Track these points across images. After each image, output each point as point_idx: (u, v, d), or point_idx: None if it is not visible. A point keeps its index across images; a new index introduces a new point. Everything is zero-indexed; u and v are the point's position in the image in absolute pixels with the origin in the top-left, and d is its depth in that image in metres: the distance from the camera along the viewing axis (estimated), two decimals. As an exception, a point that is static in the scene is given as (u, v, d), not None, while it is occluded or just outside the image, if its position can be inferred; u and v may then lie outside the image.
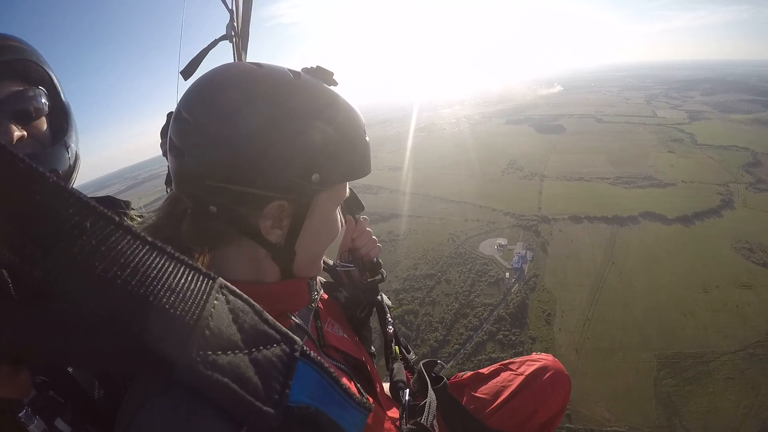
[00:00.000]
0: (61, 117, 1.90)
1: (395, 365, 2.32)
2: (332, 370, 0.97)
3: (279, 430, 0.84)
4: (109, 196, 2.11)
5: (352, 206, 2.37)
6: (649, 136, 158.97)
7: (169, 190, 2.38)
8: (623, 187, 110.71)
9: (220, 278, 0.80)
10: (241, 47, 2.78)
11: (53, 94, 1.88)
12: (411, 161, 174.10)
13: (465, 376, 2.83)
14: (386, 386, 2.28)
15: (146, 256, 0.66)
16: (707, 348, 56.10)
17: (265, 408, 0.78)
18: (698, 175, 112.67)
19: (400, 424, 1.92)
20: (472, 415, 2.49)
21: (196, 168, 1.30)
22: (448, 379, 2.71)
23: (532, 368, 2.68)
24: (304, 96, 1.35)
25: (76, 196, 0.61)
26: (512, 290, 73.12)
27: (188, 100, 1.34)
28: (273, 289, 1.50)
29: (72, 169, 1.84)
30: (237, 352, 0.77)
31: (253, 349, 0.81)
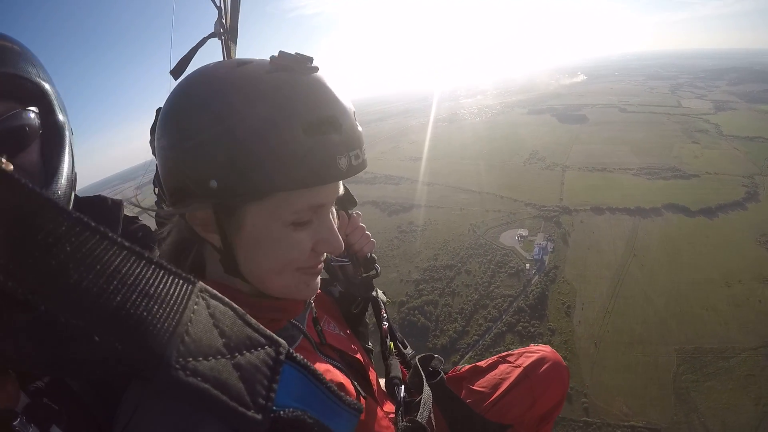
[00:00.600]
0: (54, 139, 1.60)
1: (391, 361, 2.23)
2: (321, 371, 0.95)
3: None
4: (99, 195, 1.86)
5: (345, 202, 2.35)
6: (673, 127, 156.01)
7: (156, 190, 2.52)
8: (646, 178, 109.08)
9: (200, 282, 0.79)
10: (230, 44, 2.73)
11: (48, 110, 1.59)
12: (432, 152, 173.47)
13: (463, 370, 2.82)
14: (382, 382, 2.23)
15: (123, 263, 0.65)
16: (728, 343, 55.40)
17: (249, 413, 0.77)
18: (723, 166, 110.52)
19: (396, 420, 1.90)
20: (470, 408, 2.47)
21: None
22: (446, 374, 2.68)
23: (529, 360, 2.68)
24: (221, 98, 1.23)
25: (51, 202, 0.59)
26: (532, 281, 72.83)
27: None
28: (264, 304, 1.45)
29: (68, 197, 1.54)
30: (219, 357, 0.76)
31: (236, 354, 0.79)
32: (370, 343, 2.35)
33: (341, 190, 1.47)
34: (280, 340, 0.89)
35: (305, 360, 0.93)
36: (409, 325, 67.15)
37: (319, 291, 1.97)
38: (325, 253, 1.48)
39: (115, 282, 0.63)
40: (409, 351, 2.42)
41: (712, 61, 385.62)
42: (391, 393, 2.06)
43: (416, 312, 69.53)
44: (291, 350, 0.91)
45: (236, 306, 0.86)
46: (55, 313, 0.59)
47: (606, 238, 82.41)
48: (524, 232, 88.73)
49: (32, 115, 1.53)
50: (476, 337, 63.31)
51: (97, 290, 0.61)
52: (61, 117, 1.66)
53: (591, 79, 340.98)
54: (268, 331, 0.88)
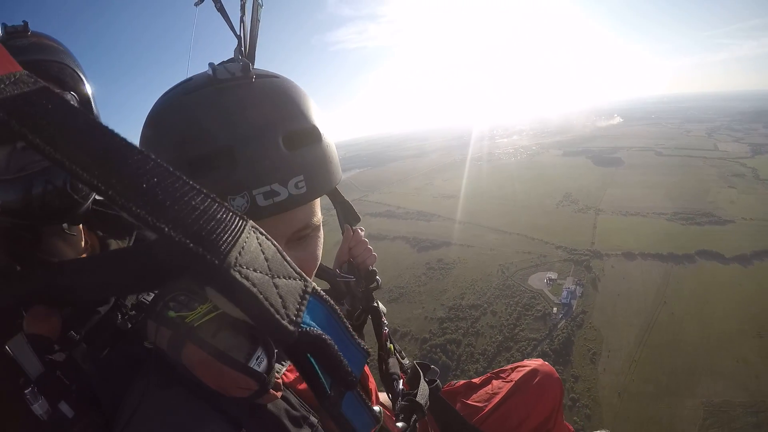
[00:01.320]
0: None
1: (390, 360, 2.30)
2: (341, 313, 1.00)
3: (293, 348, 0.90)
4: None
5: (349, 216, 2.39)
6: (709, 171, 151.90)
7: None
8: (680, 224, 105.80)
9: (251, 221, 0.85)
10: None
11: (85, 101, 1.83)
12: (466, 190, 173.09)
13: (457, 385, 2.86)
14: (383, 396, 2.32)
15: (195, 196, 0.75)
16: (758, 398, 52.54)
17: (283, 322, 0.83)
18: (760, 211, 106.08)
19: (393, 408, 1.95)
20: (465, 420, 2.52)
21: None
22: (441, 388, 2.68)
23: (521, 374, 2.71)
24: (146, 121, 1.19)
25: (139, 149, 0.72)
26: (558, 326, 70.96)
27: None
28: None
29: None
30: (264, 273, 0.82)
31: (276, 276, 0.86)
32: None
33: (308, 220, 1.25)
34: (308, 279, 0.94)
35: (328, 298, 0.98)
36: (429, 362, 65.03)
37: None
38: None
39: (190, 206, 0.73)
40: (406, 361, 2.45)
41: (749, 102, 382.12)
42: (388, 386, 2.13)
43: (438, 350, 68.82)
44: (316, 288, 0.95)
45: (277, 244, 0.90)
46: (146, 218, 0.67)
47: (636, 284, 79.95)
48: (553, 275, 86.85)
49: (74, 99, 1.74)
50: None
51: (178, 208, 0.71)
52: (95, 109, 1.91)
53: (627, 121, 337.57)
54: (299, 269, 0.92)
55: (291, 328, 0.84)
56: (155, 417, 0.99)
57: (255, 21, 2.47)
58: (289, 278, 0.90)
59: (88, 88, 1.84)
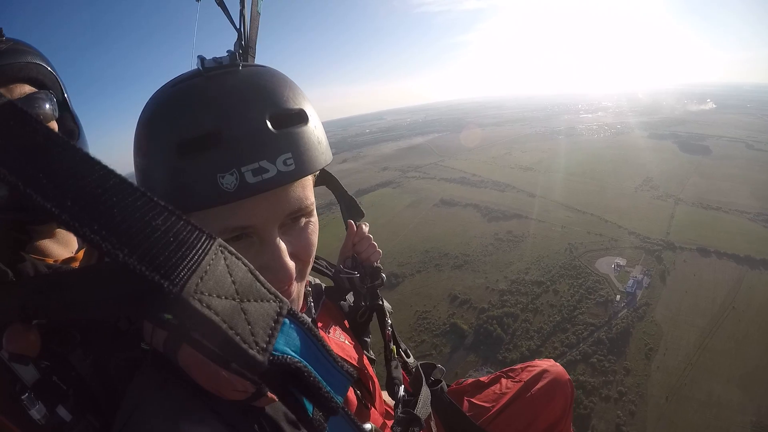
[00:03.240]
0: (69, 121, 1.90)
1: (393, 364, 2.24)
2: (322, 336, 0.97)
3: (266, 377, 0.85)
4: None
5: (352, 211, 2.33)
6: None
7: None
8: (763, 225, 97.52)
9: (220, 239, 0.83)
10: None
11: (61, 99, 1.87)
12: (543, 164, 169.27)
13: (465, 383, 2.83)
14: (385, 394, 2.28)
15: (158, 213, 0.72)
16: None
17: (251, 351, 0.79)
18: None
19: (395, 415, 1.94)
20: (471, 420, 2.47)
21: None
22: (448, 387, 2.73)
23: (531, 374, 2.68)
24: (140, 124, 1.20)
25: (101, 164, 0.69)
26: (619, 315, 68.63)
27: None
28: None
29: None
30: (230, 298, 0.80)
31: (245, 300, 0.83)
32: (372, 353, 2.28)
33: (298, 205, 1.22)
34: (284, 298, 0.91)
35: (306, 318, 0.95)
36: (484, 333, 66.87)
37: (327, 301, 2.08)
38: (285, 282, 1.26)
39: (151, 226, 0.70)
40: (412, 360, 2.45)
41: None
42: (391, 392, 2.12)
43: (494, 322, 68.69)
44: (292, 308, 0.92)
45: (248, 262, 0.88)
46: (98, 240, 0.64)
47: (707, 283, 75.18)
48: (622, 262, 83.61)
49: (52, 97, 1.77)
50: None
51: (137, 230, 0.68)
52: (72, 108, 1.94)
53: (720, 107, 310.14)
54: (273, 288, 0.90)
55: (260, 357, 0.81)
56: (152, 419, 0.97)
57: (255, 14, 2.51)
58: (262, 300, 0.87)
59: (62, 84, 1.89)
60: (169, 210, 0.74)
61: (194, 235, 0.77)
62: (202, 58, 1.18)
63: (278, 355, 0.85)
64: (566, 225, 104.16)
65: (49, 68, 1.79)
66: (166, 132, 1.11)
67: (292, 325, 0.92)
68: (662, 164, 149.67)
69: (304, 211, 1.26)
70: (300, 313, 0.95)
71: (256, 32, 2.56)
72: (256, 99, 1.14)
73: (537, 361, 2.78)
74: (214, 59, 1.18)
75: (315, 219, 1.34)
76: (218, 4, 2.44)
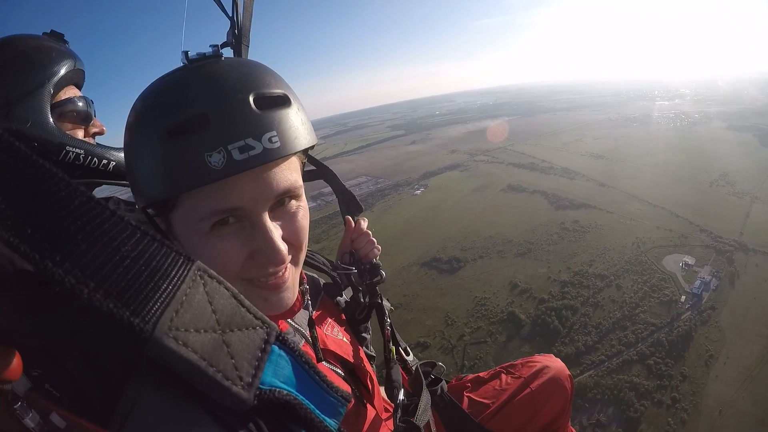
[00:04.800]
0: (97, 125, 2.14)
1: (392, 366, 2.16)
2: (313, 361, 0.94)
3: (253, 413, 0.82)
4: (113, 197, 2.16)
5: (351, 206, 2.30)
6: None
7: None
8: None
9: (199, 261, 0.79)
10: (242, 54, 2.60)
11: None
12: (616, 152, 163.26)
13: (465, 379, 2.79)
14: (383, 390, 2.20)
15: (128, 237, 0.68)
16: None
17: (234, 388, 0.76)
18: None
19: (394, 421, 1.91)
20: (471, 417, 2.42)
21: None
22: (448, 383, 2.69)
23: (531, 370, 2.63)
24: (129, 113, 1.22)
25: (66, 181, 0.64)
26: (682, 317, 65.93)
27: None
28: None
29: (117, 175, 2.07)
30: (210, 331, 0.75)
31: (227, 330, 0.79)
32: (371, 349, 2.25)
33: (285, 186, 1.22)
34: (272, 323, 0.88)
35: (296, 344, 0.92)
36: (541, 324, 66.25)
37: (325, 298, 2.02)
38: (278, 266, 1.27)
39: (120, 254, 0.65)
40: (411, 358, 2.39)
41: None
42: (390, 396, 2.06)
43: (552, 313, 67.81)
44: (281, 333, 0.89)
45: (231, 286, 0.84)
46: (62, 277, 0.61)
47: None
48: (690, 260, 79.89)
49: (90, 100, 1.98)
50: (603, 357, 59.65)
51: (104, 259, 0.63)
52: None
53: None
54: (260, 312, 0.87)
55: (244, 395, 0.77)
56: (147, 420, 0.94)
57: (248, 1, 2.49)
58: (247, 328, 0.83)
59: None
60: (141, 231, 0.70)
61: (169, 260, 0.73)
62: (186, 53, 1.20)
63: (266, 389, 0.81)
64: (635, 218, 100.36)
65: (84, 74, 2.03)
66: (155, 119, 1.12)
67: (282, 352, 0.88)
68: (740, 158, 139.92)
69: (292, 193, 1.25)
70: (288, 338, 0.91)
71: (250, 20, 2.52)
72: (239, 82, 1.15)
73: (537, 357, 2.75)
74: (198, 53, 1.20)
75: (305, 204, 1.32)
76: None
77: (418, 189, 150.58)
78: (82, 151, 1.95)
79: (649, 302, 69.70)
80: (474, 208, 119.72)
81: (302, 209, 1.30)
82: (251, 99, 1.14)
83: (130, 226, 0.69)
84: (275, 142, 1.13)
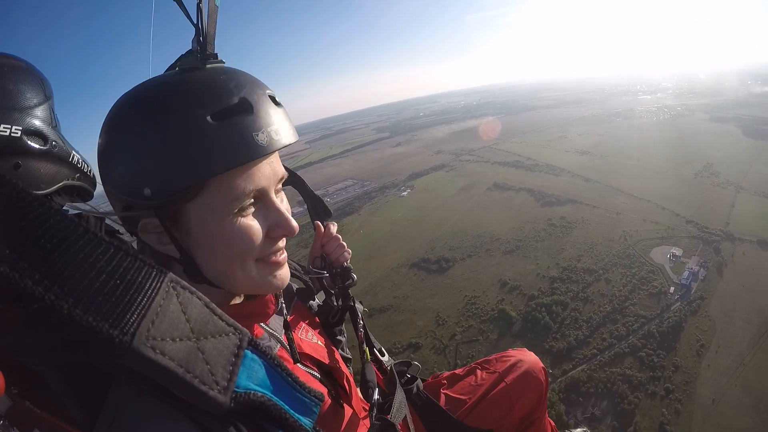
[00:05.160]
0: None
1: (366, 366, 2.18)
2: (285, 363, 0.97)
3: (230, 415, 0.85)
4: (82, 213, 2.11)
5: (320, 211, 2.35)
6: None
7: None
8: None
9: (171, 273, 0.81)
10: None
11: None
12: (600, 147, 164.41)
13: (441, 377, 2.82)
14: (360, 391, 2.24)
15: (102, 254, 0.70)
16: None
17: (211, 392, 0.78)
18: None
19: (370, 420, 1.90)
20: (449, 414, 2.46)
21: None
22: (424, 381, 2.72)
23: (505, 365, 2.68)
24: (129, 111, 1.25)
25: (39, 200, 0.66)
26: (672, 308, 65.82)
27: None
28: (238, 308, 1.44)
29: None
30: (185, 339, 0.77)
31: (201, 338, 0.81)
32: (347, 351, 2.27)
33: (282, 173, 1.39)
34: (243, 329, 0.91)
35: (267, 347, 0.94)
36: (531, 321, 65.85)
37: (298, 303, 2.05)
38: (283, 242, 1.41)
39: (96, 268, 0.68)
40: (386, 358, 2.43)
41: None
42: (365, 395, 2.06)
43: (543, 309, 67.40)
44: (253, 338, 0.92)
45: (203, 296, 0.87)
46: (42, 295, 0.63)
47: (766, 278, 69.87)
48: (678, 252, 80.00)
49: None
50: (595, 351, 59.30)
51: (80, 276, 0.66)
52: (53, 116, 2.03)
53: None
54: (232, 320, 0.89)
55: (221, 398, 0.80)
56: (130, 427, 0.96)
57: (213, 7, 2.21)
58: (220, 335, 0.85)
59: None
60: (114, 246, 0.72)
61: (143, 273, 0.75)
62: (196, 53, 1.35)
63: (241, 392, 0.84)
64: (622, 212, 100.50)
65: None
66: (195, 105, 1.20)
67: (254, 356, 0.91)
68: (724, 149, 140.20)
69: (283, 179, 1.40)
70: (259, 342, 0.94)
71: (215, 27, 2.22)
72: (258, 82, 1.34)
73: (510, 351, 2.81)
74: (206, 56, 1.36)
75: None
76: None
77: (404, 190, 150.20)
78: (80, 156, 1.98)
79: (638, 295, 69.57)
80: (461, 208, 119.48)
81: (284, 196, 1.45)
82: (269, 97, 1.33)
83: (104, 242, 0.71)
84: (289, 131, 1.33)
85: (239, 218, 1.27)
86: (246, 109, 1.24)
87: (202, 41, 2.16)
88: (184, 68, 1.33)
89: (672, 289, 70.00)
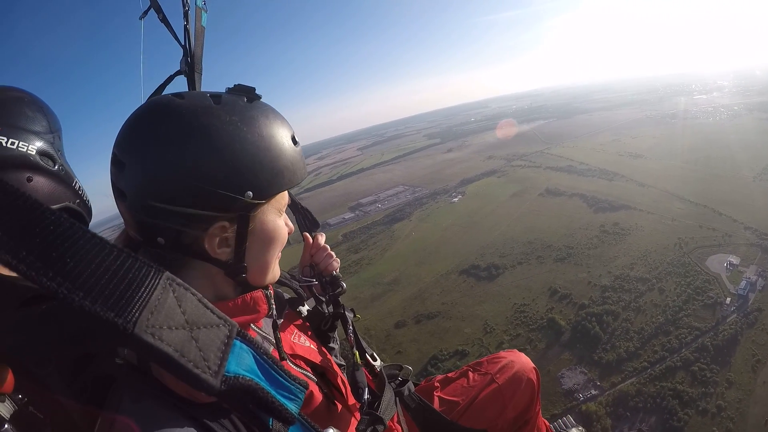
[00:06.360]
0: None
1: (357, 370, 2.26)
2: (272, 353, 1.09)
3: (222, 396, 0.92)
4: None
5: (308, 224, 2.45)
6: None
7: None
8: None
9: (167, 272, 0.88)
10: (195, 81, 2.63)
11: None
12: (654, 150, 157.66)
13: (434, 380, 2.88)
14: None
15: (107, 254, 0.76)
16: None
17: (204, 375, 0.85)
18: None
19: (360, 418, 1.97)
20: (442, 415, 2.49)
21: (138, 204, 1.31)
22: (417, 385, 2.80)
23: (497, 366, 2.74)
24: (224, 119, 1.31)
25: (51, 210, 0.72)
26: (728, 320, 62.44)
27: (120, 142, 1.34)
28: (230, 304, 1.47)
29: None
30: (181, 328, 0.85)
31: (195, 328, 0.88)
32: (340, 358, 2.34)
33: (287, 198, 1.59)
34: (232, 321, 0.98)
35: (254, 338, 1.02)
36: (581, 330, 64.17)
37: (288, 310, 2.09)
38: None
39: (102, 268, 0.74)
40: (378, 363, 2.45)
41: None
42: (356, 396, 2.12)
43: (593, 319, 65.35)
44: (241, 330, 0.99)
45: (196, 292, 0.93)
46: (56, 289, 0.69)
47: None
48: (735, 260, 75.66)
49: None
50: (646, 363, 57.19)
51: (89, 273, 0.72)
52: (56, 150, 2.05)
53: None
54: (222, 313, 0.97)
55: (212, 381, 0.87)
56: (131, 429, 1.00)
57: (200, 29, 2.52)
58: (211, 326, 0.92)
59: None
60: (117, 249, 0.78)
61: (143, 271, 0.82)
62: (184, 71, 1.65)
63: (231, 376, 0.91)
64: (677, 218, 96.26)
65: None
66: (285, 126, 1.47)
67: (243, 346, 0.98)
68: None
69: None
70: (247, 333, 1.02)
71: (202, 48, 2.55)
72: (285, 123, 1.52)
73: (502, 353, 2.87)
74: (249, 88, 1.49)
75: None
76: (161, 21, 2.53)
77: (455, 196, 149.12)
78: (80, 185, 2.08)
79: (692, 305, 66.56)
80: (512, 214, 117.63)
81: None
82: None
83: (107, 245, 0.76)
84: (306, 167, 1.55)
85: (282, 219, 1.54)
86: (296, 141, 1.50)
87: (189, 62, 2.53)
88: (249, 98, 1.45)
89: (728, 299, 66.31)
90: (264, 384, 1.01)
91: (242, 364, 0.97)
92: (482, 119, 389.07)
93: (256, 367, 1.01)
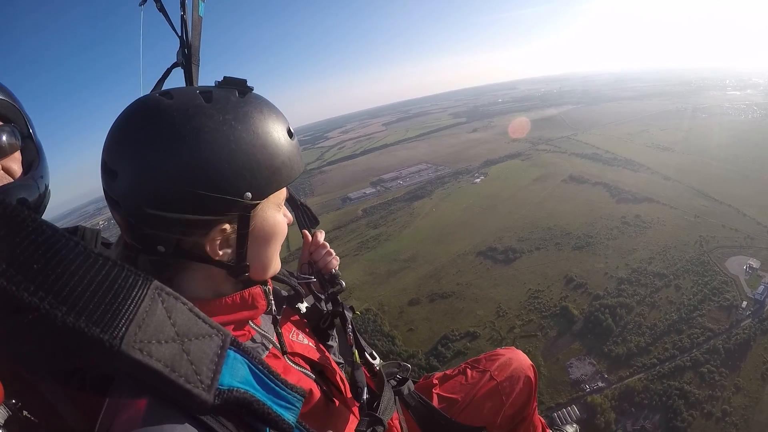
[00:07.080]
0: (31, 152, 1.88)
1: (356, 368, 2.19)
2: (267, 362, 1.02)
3: (214, 411, 0.90)
4: (78, 226, 2.15)
5: (307, 221, 2.40)
6: None
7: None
8: None
9: (156, 281, 0.85)
10: (192, 73, 2.58)
11: (25, 131, 1.87)
12: (683, 144, 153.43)
13: (432, 378, 2.85)
14: None
15: (92, 265, 0.73)
16: None
17: (196, 390, 0.82)
18: None
19: (359, 418, 1.94)
20: (442, 413, 2.45)
21: (134, 213, 1.26)
22: (416, 382, 2.77)
23: (495, 364, 2.72)
24: (218, 119, 1.26)
25: (32, 217, 0.69)
26: (742, 324, 61.06)
27: (109, 149, 1.28)
28: (229, 301, 1.45)
29: (42, 198, 1.79)
30: (171, 342, 0.81)
31: (186, 340, 0.85)
32: (338, 356, 2.36)
33: (285, 193, 1.56)
34: (225, 330, 0.96)
35: (248, 347, 1.00)
36: (594, 321, 63.36)
37: (286, 307, 2.03)
38: None
39: (86, 279, 0.71)
40: (377, 361, 2.39)
41: None
42: (355, 396, 2.08)
43: (606, 311, 64.56)
44: (235, 339, 0.97)
45: (187, 301, 0.91)
46: (37, 305, 0.66)
47: None
48: (755, 263, 73.57)
49: (14, 130, 1.77)
50: (655, 360, 56.52)
51: (72, 286, 0.69)
52: (36, 138, 1.92)
53: None
54: (215, 322, 0.94)
55: (205, 395, 0.84)
56: (130, 429, 0.96)
57: (197, 19, 2.46)
58: (203, 337, 0.89)
59: (28, 121, 1.89)
60: (103, 258, 0.76)
61: (129, 281, 0.79)
62: (181, 63, 1.55)
63: (224, 389, 0.88)
64: (700, 215, 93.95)
65: (11, 102, 1.80)
66: (280, 121, 1.43)
67: (237, 356, 0.95)
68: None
69: None
70: (241, 342, 0.99)
71: (199, 38, 2.50)
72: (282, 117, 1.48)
73: (499, 350, 2.86)
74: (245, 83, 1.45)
75: None
76: (159, 10, 2.49)
77: (477, 177, 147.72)
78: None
79: (708, 306, 65.27)
80: (533, 199, 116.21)
81: None
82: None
83: (92, 254, 0.73)
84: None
85: (281, 213, 1.52)
86: (292, 133, 1.45)
87: (186, 53, 2.50)
88: (241, 91, 1.39)
89: (744, 303, 64.91)
90: (260, 395, 0.98)
91: (236, 375, 0.94)
92: (510, 100, 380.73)
93: (251, 378, 0.98)
